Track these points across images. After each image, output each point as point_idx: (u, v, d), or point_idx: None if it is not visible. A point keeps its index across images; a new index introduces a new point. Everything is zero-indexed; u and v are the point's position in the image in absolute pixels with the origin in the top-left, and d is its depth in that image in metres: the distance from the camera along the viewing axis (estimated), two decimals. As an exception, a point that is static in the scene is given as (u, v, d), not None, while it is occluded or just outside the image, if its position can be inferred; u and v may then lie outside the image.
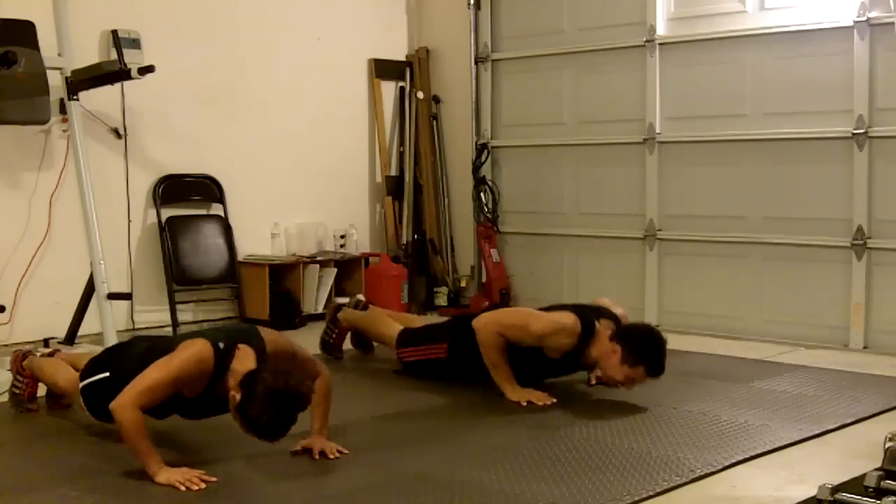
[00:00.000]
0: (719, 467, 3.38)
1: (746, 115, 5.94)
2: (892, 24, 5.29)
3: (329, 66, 6.96)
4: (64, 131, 5.51)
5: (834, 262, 5.63)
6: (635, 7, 6.32)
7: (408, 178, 7.32)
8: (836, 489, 2.93)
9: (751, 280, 5.97)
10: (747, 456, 3.51)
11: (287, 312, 6.30)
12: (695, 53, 6.13)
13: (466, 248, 7.31)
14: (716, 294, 6.10)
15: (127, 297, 5.53)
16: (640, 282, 6.37)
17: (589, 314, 4.36)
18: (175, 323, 5.96)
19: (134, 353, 3.65)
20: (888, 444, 3.18)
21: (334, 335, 5.29)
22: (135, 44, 5.75)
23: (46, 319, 5.47)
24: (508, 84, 7.08)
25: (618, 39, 6.42)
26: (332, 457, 3.47)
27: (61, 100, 5.40)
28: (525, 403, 4.27)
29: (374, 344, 5.30)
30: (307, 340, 5.15)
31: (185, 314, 6.14)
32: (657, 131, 6.27)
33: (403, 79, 7.38)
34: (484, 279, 7.09)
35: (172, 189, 6.18)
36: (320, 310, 6.50)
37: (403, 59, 7.42)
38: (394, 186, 7.30)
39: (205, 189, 6.34)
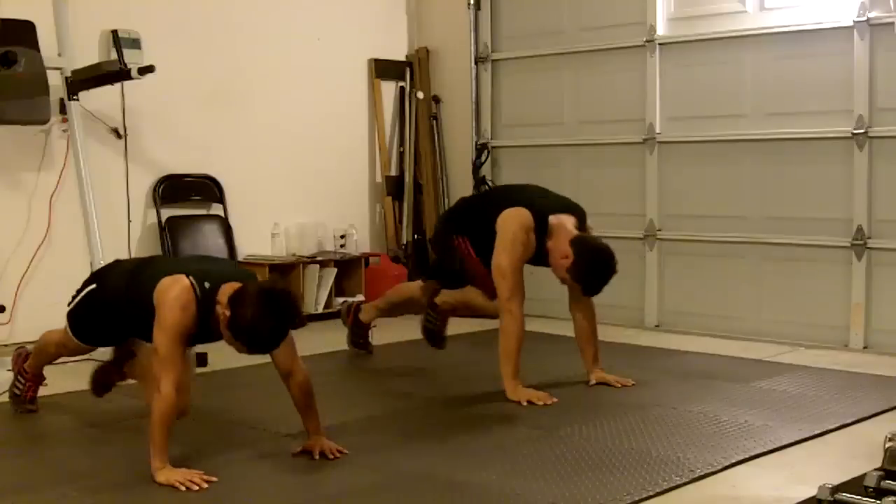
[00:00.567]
0: (719, 467, 3.38)
1: (746, 115, 5.94)
2: (892, 24, 5.29)
3: (329, 66, 6.96)
4: (64, 131, 5.51)
5: (834, 262, 5.63)
6: (635, 7, 6.32)
7: (408, 178, 7.32)
8: (836, 489, 2.93)
9: (751, 280, 5.97)
10: (747, 456, 3.50)
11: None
12: (695, 53, 6.13)
13: (466, 248, 7.30)
14: (716, 294, 6.10)
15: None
16: (640, 282, 6.37)
17: (545, 210, 4.41)
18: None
19: (119, 270, 3.70)
20: (888, 444, 3.17)
21: (437, 321, 5.17)
22: (135, 44, 5.75)
23: (46, 319, 5.41)
24: (508, 84, 7.08)
25: (618, 39, 6.42)
26: (331, 457, 3.47)
27: (61, 100, 5.40)
28: (525, 403, 4.27)
29: (373, 344, 5.32)
30: (307, 340, 5.13)
31: (185, 314, 6.14)
32: (657, 131, 6.27)
33: (403, 79, 7.38)
34: (484, 279, 7.08)
35: (172, 189, 6.19)
36: (320, 310, 6.51)
37: (403, 59, 7.43)
38: (394, 186, 7.30)
39: (205, 189, 6.34)
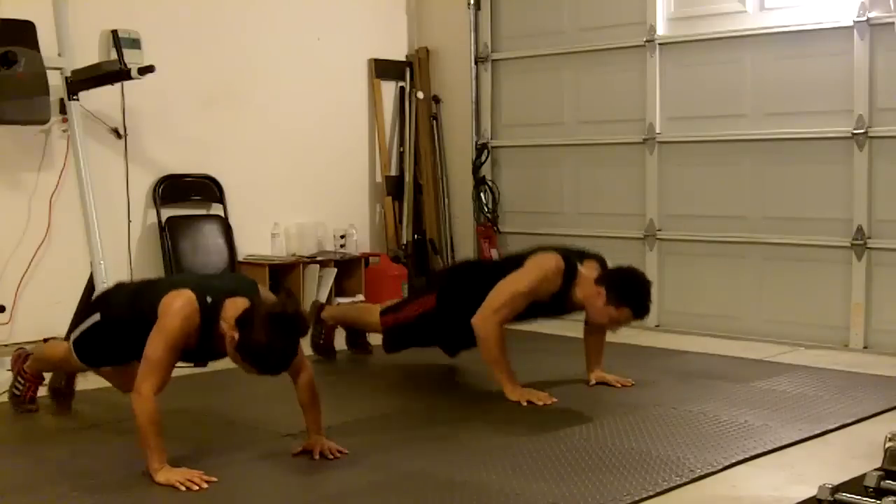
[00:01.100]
0: (719, 467, 3.38)
1: (746, 115, 5.94)
2: (892, 24, 5.29)
3: (329, 66, 6.96)
4: (64, 131, 5.50)
5: (834, 262, 5.63)
6: (635, 7, 6.32)
7: (408, 178, 7.32)
8: (836, 489, 2.93)
9: (751, 280, 5.97)
10: (747, 456, 3.50)
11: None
12: (695, 53, 6.13)
13: (466, 248, 7.31)
14: (716, 294, 6.10)
15: (127, 297, 5.53)
16: (640, 282, 6.36)
17: (572, 256, 4.38)
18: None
19: (122, 294, 3.68)
20: (888, 444, 3.18)
21: (323, 335, 5.25)
22: (135, 44, 5.74)
23: (46, 319, 5.46)
24: (508, 84, 7.08)
25: (618, 39, 6.42)
26: (330, 457, 3.47)
27: (61, 100, 5.39)
28: (525, 403, 4.27)
29: (372, 343, 5.31)
30: (307, 341, 5.15)
31: (185, 314, 6.13)
32: (657, 131, 6.27)
33: (403, 79, 7.38)
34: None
35: (172, 189, 6.18)
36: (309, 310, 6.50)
37: (403, 59, 7.42)
38: (394, 186, 7.30)
39: (205, 189, 6.34)
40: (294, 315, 3.24)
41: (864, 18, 5.40)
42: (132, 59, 5.44)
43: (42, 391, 4.23)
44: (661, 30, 6.23)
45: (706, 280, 6.15)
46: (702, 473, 3.32)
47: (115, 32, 5.58)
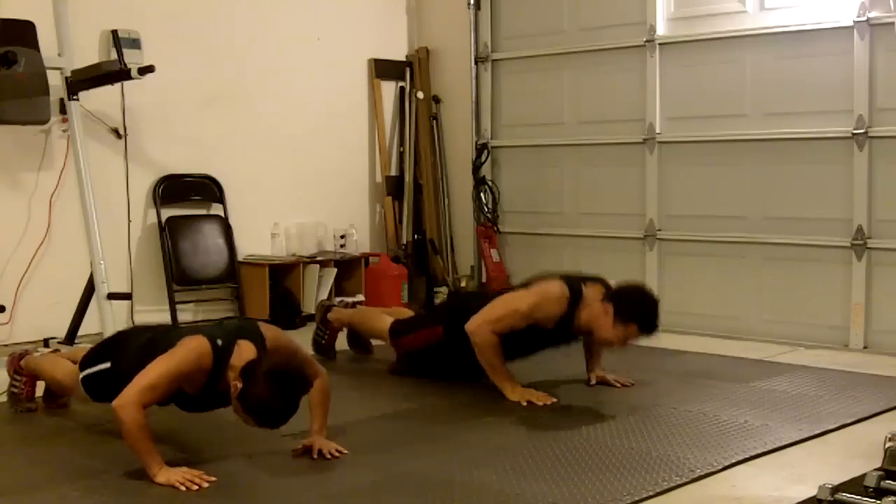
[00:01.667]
0: (719, 467, 3.38)
1: (746, 115, 5.94)
2: (892, 24, 5.29)
3: (329, 66, 6.96)
4: (64, 131, 5.50)
5: (834, 262, 5.63)
6: (635, 7, 6.32)
7: (408, 178, 7.32)
8: (836, 489, 2.93)
9: (751, 280, 5.97)
10: (747, 456, 3.50)
11: (287, 312, 6.30)
12: (695, 53, 6.13)
13: (466, 248, 7.31)
14: (716, 294, 6.10)
15: (127, 297, 5.54)
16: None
17: (576, 280, 4.37)
18: (175, 323, 5.96)
19: (134, 345, 3.66)
20: (888, 444, 3.18)
21: (326, 335, 5.27)
22: (135, 44, 5.75)
23: (46, 319, 5.47)
24: (508, 84, 7.08)
25: (618, 39, 6.42)
26: (328, 457, 3.47)
27: (61, 100, 5.40)
28: (525, 403, 4.27)
29: (372, 342, 5.31)
30: (307, 340, 5.16)
31: (185, 314, 6.14)
32: (657, 131, 6.27)
33: (403, 79, 7.38)
34: (484, 279, 7.09)
35: (172, 189, 6.19)
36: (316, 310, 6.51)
37: (403, 59, 7.43)
38: (394, 186, 7.30)
39: (205, 189, 6.34)
40: (296, 374, 3.28)
41: (864, 18, 5.40)
42: (132, 59, 5.45)
43: (40, 389, 4.22)
44: (661, 30, 6.23)
45: (706, 280, 6.14)
46: (702, 473, 3.32)
47: (115, 32, 5.58)
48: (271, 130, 6.64)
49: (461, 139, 7.29)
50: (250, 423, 3.30)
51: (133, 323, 5.91)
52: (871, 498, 2.90)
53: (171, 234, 6.11)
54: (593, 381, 4.63)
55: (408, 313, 5.22)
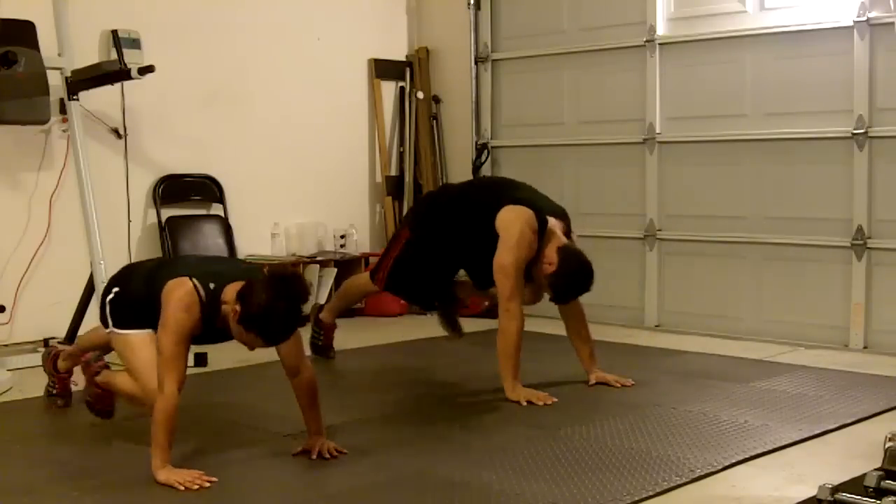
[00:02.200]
0: (719, 467, 3.38)
1: (746, 115, 5.94)
2: (893, 24, 5.29)
3: (329, 66, 6.96)
4: (64, 131, 5.50)
5: (834, 262, 5.63)
6: (635, 7, 6.32)
7: (408, 178, 7.32)
8: (836, 489, 2.93)
9: (751, 280, 5.97)
10: (747, 456, 3.50)
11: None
12: (695, 53, 6.13)
13: (466, 248, 7.30)
14: (716, 294, 6.10)
15: (127, 297, 5.53)
16: (640, 282, 6.37)
17: (543, 211, 4.46)
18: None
19: (142, 269, 3.72)
20: (888, 444, 3.17)
21: (322, 336, 5.28)
22: (135, 44, 5.75)
23: (46, 319, 5.46)
24: (508, 84, 7.08)
25: (618, 39, 6.42)
26: (328, 457, 3.47)
27: (61, 100, 5.39)
28: (525, 403, 4.27)
29: (335, 351, 5.34)
30: (306, 341, 5.15)
31: (185, 314, 6.13)
32: (657, 131, 6.27)
33: (403, 79, 7.38)
34: (484, 279, 7.08)
35: (172, 189, 6.19)
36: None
37: (403, 59, 7.43)
38: (394, 186, 7.30)
39: (205, 189, 6.34)
40: (293, 277, 3.27)
41: (864, 18, 5.40)
42: (132, 59, 5.44)
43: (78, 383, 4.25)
44: (661, 30, 6.23)
45: (706, 280, 6.14)
46: (702, 473, 3.32)
47: (115, 32, 5.58)
48: (271, 130, 6.64)
49: (461, 139, 7.29)
50: (257, 343, 3.26)
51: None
52: (871, 498, 2.90)
53: (171, 234, 6.11)
54: (593, 382, 4.63)
55: None
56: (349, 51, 7.08)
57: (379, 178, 7.31)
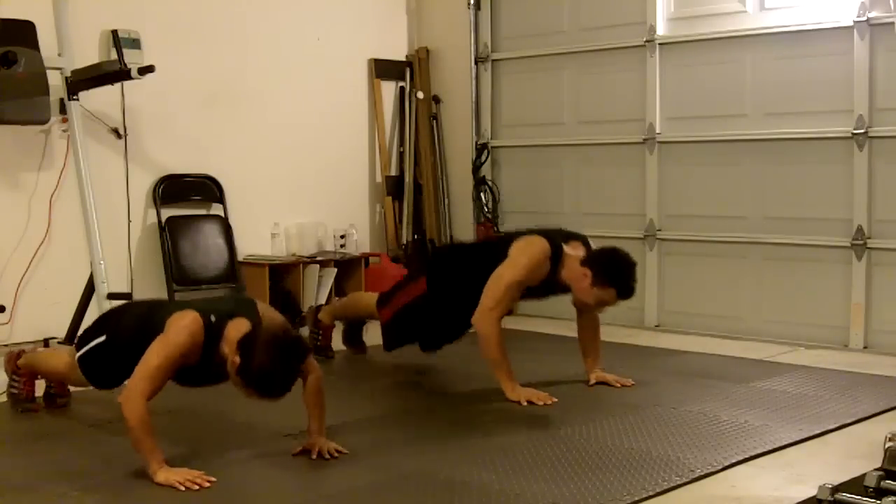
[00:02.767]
0: (719, 467, 3.38)
1: (746, 115, 5.94)
2: (892, 24, 5.29)
3: (329, 66, 6.96)
4: (64, 131, 5.50)
5: (834, 262, 5.63)
6: (635, 7, 6.32)
7: (408, 178, 7.32)
8: (836, 489, 2.93)
9: (751, 280, 5.97)
10: (747, 456, 3.50)
11: (287, 313, 6.26)
12: (695, 53, 6.13)
13: (466, 248, 7.30)
14: (716, 294, 6.10)
15: (127, 297, 5.52)
16: (641, 282, 6.28)
17: (557, 237, 4.41)
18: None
19: (128, 319, 3.69)
20: (888, 444, 3.18)
21: (320, 337, 5.29)
22: (135, 44, 5.75)
23: (46, 319, 5.46)
24: (508, 84, 7.08)
25: (618, 39, 6.42)
26: (328, 457, 3.47)
27: (61, 100, 5.40)
28: (525, 403, 4.27)
29: (366, 344, 5.31)
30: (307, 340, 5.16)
31: (185, 314, 6.14)
32: (657, 131, 6.27)
33: (403, 79, 7.38)
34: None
35: (172, 189, 6.18)
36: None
37: (403, 59, 7.42)
38: (394, 186, 7.30)
39: (205, 189, 6.34)
40: (295, 341, 3.30)
41: (864, 18, 5.40)
42: (132, 59, 5.44)
43: (39, 388, 4.22)
44: (661, 30, 6.23)
45: (706, 280, 6.14)
46: (702, 473, 3.32)
47: (115, 32, 5.58)
48: (271, 130, 6.64)
49: (461, 139, 7.28)
50: (252, 396, 3.28)
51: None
52: (871, 498, 2.90)
53: (171, 234, 6.10)
54: (593, 381, 4.63)
55: None
56: (349, 51, 7.08)
57: (379, 178, 7.30)
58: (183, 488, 3.15)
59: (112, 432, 3.87)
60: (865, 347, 5.52)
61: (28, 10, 5.22)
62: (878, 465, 3.15)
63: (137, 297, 5.77)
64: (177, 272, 6.07)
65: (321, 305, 5.44)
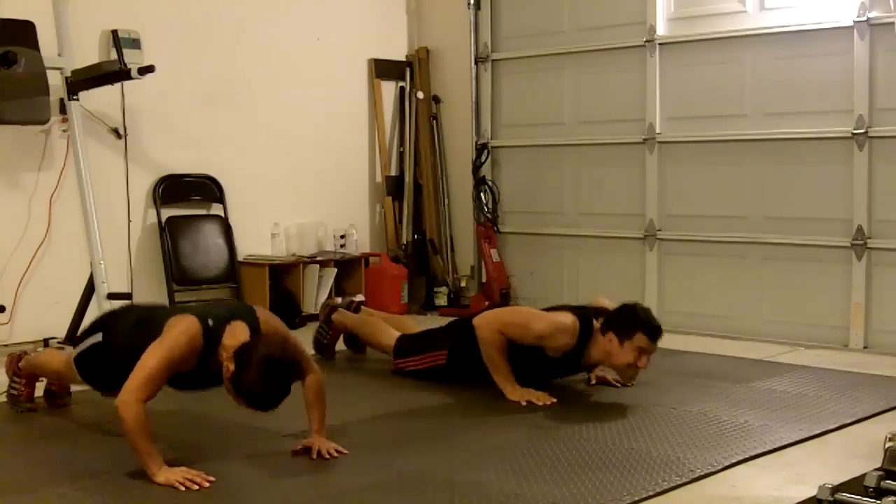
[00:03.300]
0: (719, 467, 3.38)
1: (746, 115, 5.94)
2: (892, 24, 5.29)
3: (329, 66, 6.96)
4: (64, 131, 5.51)
5: (834, 262, 5.63)
6: (635, 7, 6.32)
7: (408, 178, 7.32)
8: (836, 489, 2.93)
9: (751, 280, 5.97)
10: (747, 456, 3.50)
11: (287, 312, 6.28)
12: (695, 53, 6.13)
13: (466, 248, 7.31)
14: (716, 294, 6.10)
15: (127, 297, 5.52)
16: (640, 282, 6.36)
17: (588, 314, 4.36)
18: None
19: (128, 319, 3.69)
20: (888, 444, 3.17)
21: (328, 336, 5.27)
22: (135, 44, 5.75)
23: (46, 319, 5.47)
24: (508, 84, 7.08)
25: (618, 39, 6.42)
26: (328, 457, 3.47)
27: (61, 100, 5.40)
28: (525, 403, 4.27)
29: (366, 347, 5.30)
30: (307, 340, 5.15)
31: (185, 314, 6.14)
32: (657, 131, 6.27)
33: (403, 79, 7.38)
34: (484, 279, 7.09)
35: (172, 189, 6.19)
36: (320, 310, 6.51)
37: (403, 59, 7.43)
38: (394, 186, 7.30)
39: (205, 189, 6.34)
40: (289, 361, 3.30)
41: (864, 18, 5.40)
42: (132, 59, 5.45)
43: (39, 390, 4.22)
44: (661, 30, 6.23)
45: (706, 280, 6.14)
46: (702, 473, 3.32)
47: (115, 32, 5.58)
48: (271, 130, 6.64)
49: (461, 139, 7.28)
50: (242, 405, 3.31)
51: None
52: (871, 498, 2.90)
53: (171, 234, 6.11)
54: (593, 381, 4.63)
55: (413, 327, 5.16)
56: (349, 51, 7.08)
57: (379, 178, 7.31)
58: (183, 488, 3.15)
59: (112, 432, 3.87)
60: (865, 347, 5.52)
61: (28, 10, 5.22)
62: (878, 465, 3.14)
63: (137, 297, 5.80)
64: (177, 272, 6.08)
65: (337, 306, 5.38)
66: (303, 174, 6.80)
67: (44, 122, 5.39)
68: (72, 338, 5.38)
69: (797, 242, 5.76)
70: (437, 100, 7.43)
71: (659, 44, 6.23)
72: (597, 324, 4.30)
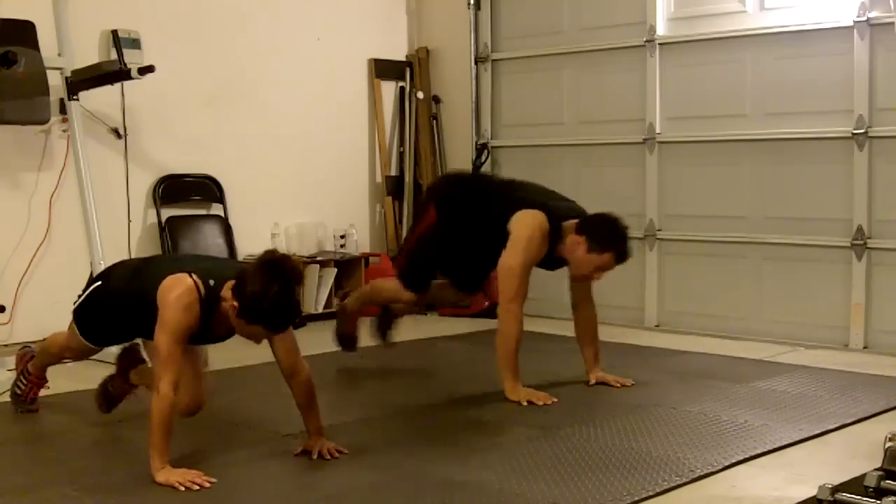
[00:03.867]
0: (719, 467, 3.38)
1: (746, 115, 5.94)
2: (892, 24, 5.29)
3: (329, 66, 6.96)
4: (64, 131, 5.51)
5: (834, 262, 5.63)
6: (635, 7, 6.32)
7: (408, 178, 7.32)
8: (836, 489, 2.93)
9: (751, 280, 5.97)
10: (747, 456, 3.50)
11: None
12: (695, 53, 6.13)
13: (466, 248, 7.30)
14: (716, 294, 6.10)
15: (127, 296, 5.53)
16: (640, 282, 6.36)
17: (556, 211, 4.38)
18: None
19: (126, 267, 3.74)
20: (888, 444, 3.17)
21: (346, 325, 5.17)
22: (135, 44, 5.76)
23: (46, 319, 5.43)
24: (508, 84, 7.08)
25: (618, 39, 6.42)
26: (328, 457, 3.47)
27: (61, 100, 5.40)
28: (525, 403, 4.27)
29: (360, 346, 5.31)
30: (307, 340, 5.13)
31: (185, 314, 6.14)
32: (657, 131, 6.27)
33: (403, 79, 7.39)
34: (484, 279, 7.08)
35: (172, 189, 6.19)
36: (320, 310, 6.51)
37: (403, 59, 7.43)
38: (394, 186, 7.30)
39: (205, 189, 6.34)
40: (282, 259, 3.25)
41: (864, 18, 5.40)
42: (132, 59, 5.45)
43: (41, 392, 4.22)
44: (661, 30, 6.23)
45: (706, 280, 6.14)
46: (702, 473, 3.32)
47: (115, 32, 5.58)
48: (271, 130, 6.64)
49: (461, 139, 7.29)
50: (261, 335, 3.29)
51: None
52: (871, 498, 2.90)
53: (171, 234, 6.11)
54: (593, 382, 4.63)
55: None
56: (349, 51, 7.09)
57: (379, 178, 7.31)
58: (183, 488, 3.15)
59: (112, 432, 3.87)
60: (865, 347, 5.52)
61: (28, 10, 5.22)
62: (878, 465, 3.14)
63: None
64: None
65: (345, 297, 5.35)
66: (303, 174, 6.80)
67: (44, 122, 5.39)
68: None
69: (797, 242, 5.76)
70: (437, 100, 7.43)
71: (659, 44, 6.23)
72: (566, 225, 4.33)
